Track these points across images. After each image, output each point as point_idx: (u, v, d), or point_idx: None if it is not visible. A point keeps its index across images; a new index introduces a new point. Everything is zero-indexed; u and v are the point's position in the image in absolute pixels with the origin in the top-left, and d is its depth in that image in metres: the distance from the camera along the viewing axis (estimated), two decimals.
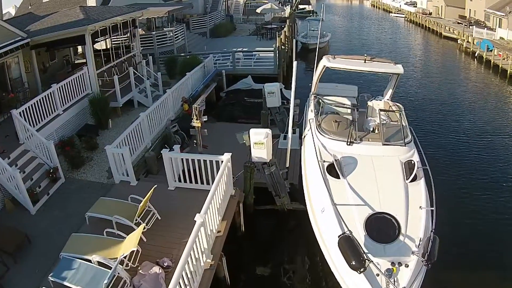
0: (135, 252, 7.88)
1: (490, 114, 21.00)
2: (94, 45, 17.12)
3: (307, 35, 35.16)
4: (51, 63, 17.99)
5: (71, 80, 14.21)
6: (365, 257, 6.45)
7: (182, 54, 21.58)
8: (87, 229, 9.10)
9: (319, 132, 10.26)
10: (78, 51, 21.17)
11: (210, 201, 7.71)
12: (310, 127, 10.78)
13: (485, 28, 40.03)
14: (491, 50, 32.23)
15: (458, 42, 40.71)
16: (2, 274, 8.25)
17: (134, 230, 8.23)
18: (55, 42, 15.07)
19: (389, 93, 13.00)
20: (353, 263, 6.40)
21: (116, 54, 16.95)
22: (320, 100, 12.11)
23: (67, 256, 7.90)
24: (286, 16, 36.63)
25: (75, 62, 19.79)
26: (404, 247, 7.17)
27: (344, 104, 12.41)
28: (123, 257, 7.66)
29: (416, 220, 7.68)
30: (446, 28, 47.34)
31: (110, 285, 7.06)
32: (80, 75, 14.69)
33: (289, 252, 10.35)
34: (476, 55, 34.64)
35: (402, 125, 10.07)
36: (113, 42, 18.30)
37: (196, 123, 11.03)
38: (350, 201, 8.07)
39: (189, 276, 6.65)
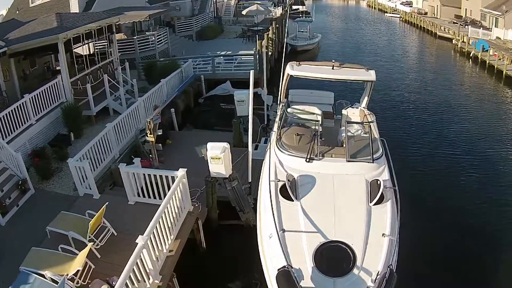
0: (86, 269, 8.09)
1: (483, 123, 20.35)
2: (75, 50, 17.39)
3: (296, 36, 35.25)
4: (31, 70, 18.26)
5: (44, 89, 14.43)
6: None
7: (162, 59, 21.70)
8: (48, 243, 9.32)
9: (277, 147, 9.60)
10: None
11: (157, 221, 7.84)
12: (270, 141, 10.35)
13: (481, 28, 40.14)
14: (486, 50, 32.26)
15: (453, 42, 40.92)
16: None
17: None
18: (32, 50, 15.38)
19: (364, 100, 12.37)
20: None
21: (91, 61, 17.10)
22: (286, 110, 11.49)
23: (25, 270, 8.13)
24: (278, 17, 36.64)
25: (56, 68, 19.95)
26: (358, 282, 6.41)
27: (313, 113, 11.37)
28: (73, 275, 7.83)
29: (376, 250, 6.92)
30: (441, 28, 47.49)
31: None
32: (54, 83, 14.87)
33: (252, 269, 9.71)
34: (471, 55, 34.81)
35: (372, 138, 9.34)
36: (96, 48, 18.50)
37: (149, 137, 10.94)
38: (301, 227, 7.39)
39: None
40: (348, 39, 46.02)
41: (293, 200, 8.00)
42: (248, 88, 15.08)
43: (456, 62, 36.40)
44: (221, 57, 21.29)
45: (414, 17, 58.07)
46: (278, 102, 12.99)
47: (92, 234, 8.91)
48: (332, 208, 7.74)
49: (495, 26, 41.66)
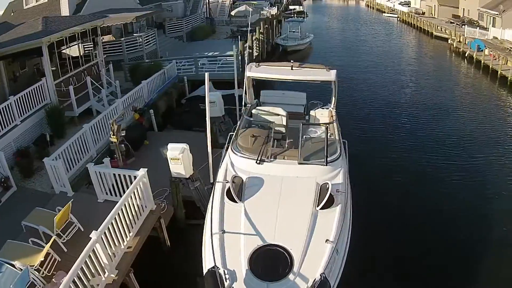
0: (51, 261, 8.91)
1: (474, 125, 20.35)
2: (63, 51, 18.16)
3: (287, 37, 35.78)
4: (21, 72, 19.06)
5: (29, 91, 15.35)
6: None
7: (147, 60, 22.33)
8: (22, 236, 10.09)
9: (231, 148, 9.81)
10: None
11: (112, 217, 8.52)
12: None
13: (478, 28, 40.33)
14: (481, 50, 32.27)
15: (449, 42, 41.12)
16: None
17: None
18: (18, 53, 16.28)
19: (332, 101, 12.30)
20: None
21: (76, 63, 17.91)
22: (250, 111, 11.67)
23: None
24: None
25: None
26: None
27: (278, 115, 11.38)
28: (39, 266, 8.69)
29: (316, 256, 6.79)
30: (438, 27, 47.85)
31: None
32: (39, 85, 15.75)
33: None
34: (466, 55, 34.81)
35: (328, 139, 9.35)
36: (85, 49, 19.20)
37: (112, 138, 11.57)
38: (241, 229, 7.46)
39: None
40: (342, 39, 46.60)
41: (236, 202, 8.11)
42: (232, 88, 15.72)
43: (451, 62, 36.62)
44: (205, 58, 21.77)
45: (412, 17, 58.45)
46: (243, 104, 13.07)
47: (59, 229, 9.74)
48: (275, 211, 7.75)
49: (492, 26, 41.84)
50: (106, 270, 8.36)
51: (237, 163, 9.39)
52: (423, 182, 14.79)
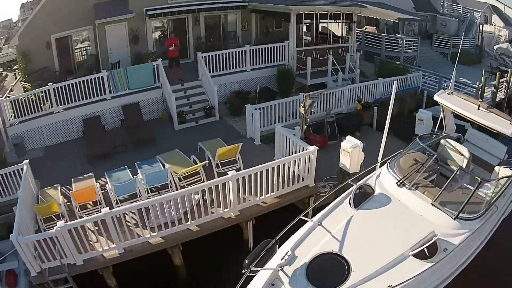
0: (195, 178, 10.10)
1: None
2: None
3: None
4: (275, 30, 20.74)
5: (269, 47, 16.73)
6: (251, 264, 6.61)
7: (397, 63, 21.39)
8: (193, 153, 11.26)
9: (389, 161, 9.44)
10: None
11: (262, 168, 9.12)
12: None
13: None
14: None
15: None
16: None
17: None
18: (270, 12, 18.00)
19: None
20: (247, 260, 6.69)
21: (323, 39, 18.34)
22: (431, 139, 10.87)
23: (158, 158, 10.87)
24: None
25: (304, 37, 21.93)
26: None
27: (461, 155, 10.36)
28: (182, 176, 9.69)
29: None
30: None
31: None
32: (281, 46, 16.93)
33: None
34: None
35: (474, 193, 8.06)
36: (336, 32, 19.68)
37: (301, 109, 11.65)
38: (334, 230, 7.60)
39: None
40: None
41: (351, 207, 8.17)
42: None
43: None
44: (449, 81, 19.67)
45: None
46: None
47: (220, 161, 10.51)
48: (371, 234, 7.53)
49: None
50: (228, 206, 8.80)
51: (382, 176, 9.14)
52: None
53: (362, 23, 26.49)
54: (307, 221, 7.86)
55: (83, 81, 13.49)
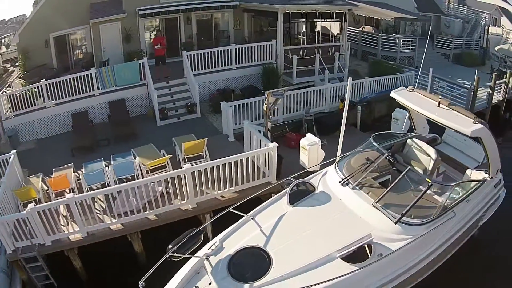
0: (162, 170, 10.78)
1: None
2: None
3: None
4: (269, 29, 21.17)
5: (255, 46, 17.32)
6: (171, 249, 6.67)
7: (391, 62, 21.53)
8: (166, 148, 11.92)
9: (338, 160, 9.32)
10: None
11: (224, 161, 9.81)
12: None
13: None
14: None
15: None
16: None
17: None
18: (259, 11, 18.61)
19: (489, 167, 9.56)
20: (170, 245, 6.76)
21: (312, 39, 18.79)
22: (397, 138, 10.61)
23: (132, 151, 11.64)
24: None
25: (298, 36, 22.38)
26: None
27: (428, 156, 9.81)
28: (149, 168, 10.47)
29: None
30: None
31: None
32: (267, 45, 17.52)
33: None
34: None
35: (422, 197, 7.66)
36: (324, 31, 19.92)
37: (264, 106, 11.75)
38: (263, 226, 7.69)
39: None
40: None
41: (287, 203, 8.18)
42: None
43: None
44: (445, 82, 19.49)
45: None
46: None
47: (186, 155, 11.16)
48: (303, 231, 7.46)
49: None
50: (185, 198, 9.55)
51: (328, 175, 9.03)
52: None
53: (361, 22, 26.72)
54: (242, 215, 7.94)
55: (73, 78, 14.46)
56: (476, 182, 8.99)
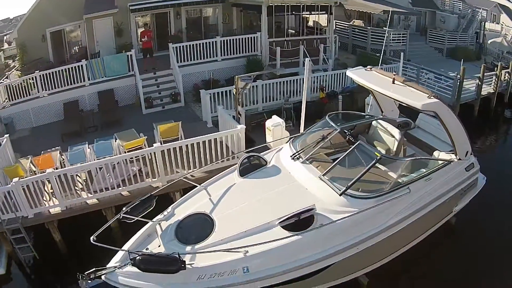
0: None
1: None
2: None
3: None
4: (258, 23, 21.55)
5: (242, 38, 18.25)
6: (125, 211, 7.31)
7: (377, 55, 21.99)
8: (149, 133, 12.72)
9: (292, 140, 9.68)
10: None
11: (195, 140, 10.77)
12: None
13: None
14: None
15: None
16: None
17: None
18: (246, 5, 19.42)
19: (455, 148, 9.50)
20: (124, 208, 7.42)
21: (298, 31, 19.56)
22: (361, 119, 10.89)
23: (115, 136, 12.38)
24: None
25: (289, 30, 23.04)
26: None
27: (392, 136, 9.92)
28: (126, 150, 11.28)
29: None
30: None
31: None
32: (252, 37, 18.36)
33: None
34: None
35: (368, 171, 7.80)
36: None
37: (234, 90, 12.62)
38: (212, 195, 8.18)
39: None
40: None
41: (238, 176, 8.63)
42: None
43: None
44: (432, 73, 19.89)
45: None
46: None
47: (163, 138, 12.00)
48: (247, 201, 7.84)
49: None
50: (156, 176, 10.47)
51: (282, 151, 9.38)
52: None
53: (353, 17, 27.30)
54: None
55: (66, 69, 15.50)
56: (441, 162, 9.00)
